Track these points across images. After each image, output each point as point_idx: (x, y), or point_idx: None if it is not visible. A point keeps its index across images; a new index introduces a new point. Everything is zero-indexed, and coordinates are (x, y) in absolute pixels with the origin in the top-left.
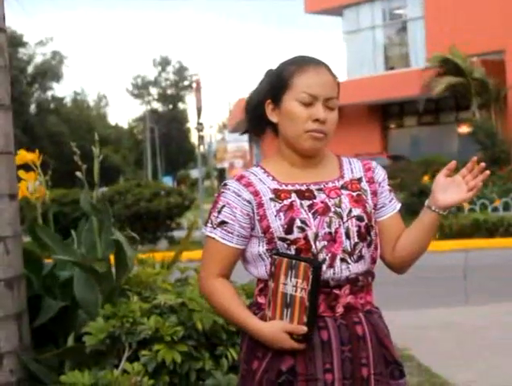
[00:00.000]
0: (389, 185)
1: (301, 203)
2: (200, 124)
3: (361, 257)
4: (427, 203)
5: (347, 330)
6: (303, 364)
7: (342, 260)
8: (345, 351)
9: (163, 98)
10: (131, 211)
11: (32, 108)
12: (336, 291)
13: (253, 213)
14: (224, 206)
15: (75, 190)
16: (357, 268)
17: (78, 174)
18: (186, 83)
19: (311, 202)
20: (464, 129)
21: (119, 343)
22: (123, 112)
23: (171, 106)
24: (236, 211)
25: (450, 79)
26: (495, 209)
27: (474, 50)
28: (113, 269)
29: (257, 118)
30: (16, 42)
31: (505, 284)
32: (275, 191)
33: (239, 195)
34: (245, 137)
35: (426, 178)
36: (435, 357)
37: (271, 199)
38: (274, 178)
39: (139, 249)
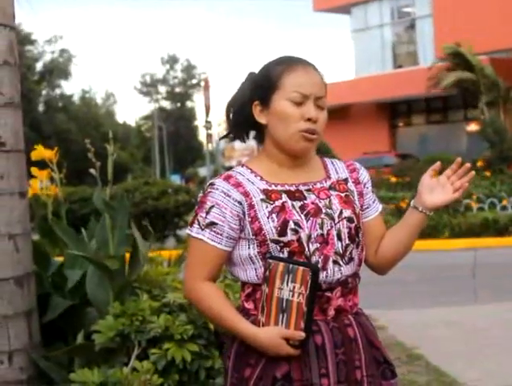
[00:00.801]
0: (371, 186)
1: (292, 204)
2: (208, 122)
3: (351, 259)
4: (412, 203)
5: (339, 333)
6: (299, 370)
7: (334, 262)
8: (339, 354)
9: (171, 96)
10: (139, 209)
11: (40, 105)
12: (328, 294)
13: (244, 214)
14: (213, 206)
15: (83, 187)
16: (347, 270)
17: (92, 170)
18: (194, 81)
19: (302, 203)
20: (472, 127)
21: (129, 341)
22: (131, 110)
23: (179, 104)
24: (226, 212)
25: (459, 73)
26: (504, 208)
27: (482, 48)
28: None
29: (241, 121)
30: (25, 40)
31: (511, 283)
32: (265, 192)
33: (229, 196)
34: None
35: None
36: (443, 356)
37: (262, 200)
38: (262, 178)
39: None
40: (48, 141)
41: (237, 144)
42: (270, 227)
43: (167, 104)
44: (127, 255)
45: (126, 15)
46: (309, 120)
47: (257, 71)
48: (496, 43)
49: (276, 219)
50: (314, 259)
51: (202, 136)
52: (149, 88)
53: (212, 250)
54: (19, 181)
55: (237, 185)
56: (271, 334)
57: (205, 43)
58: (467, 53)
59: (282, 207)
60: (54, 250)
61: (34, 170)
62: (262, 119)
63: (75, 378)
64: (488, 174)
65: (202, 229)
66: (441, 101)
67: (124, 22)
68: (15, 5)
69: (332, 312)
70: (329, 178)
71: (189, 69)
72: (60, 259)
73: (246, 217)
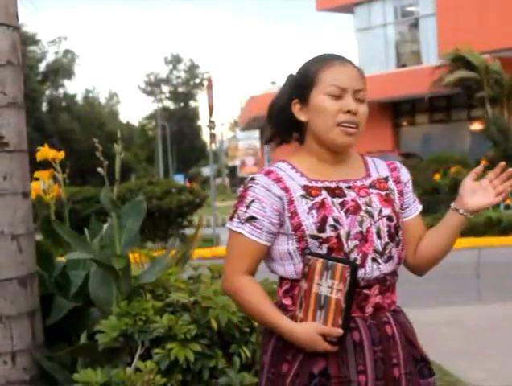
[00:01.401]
0: (411, 186)
1: (332, 201)
2: (211, 122)
3: (390, 257)
4: (453, 205)
5: (377, 331)
6: (336, 366)
7: (373, 260)
8: (377, 352)
9: (174, 96)
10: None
11: (44, 105)
12: (366, 291)
13: (284, 210)
14: (253, 200)
15: (87, 188)
16: (386, 268)
17: (100, 170)
18: (197, 81)
19: (342, 200)
20: (475, 126)
21: (132, 341)
22: (134, 110)
23: (182, 104)
24: (266, 207)
25: (462, 72)
26: (507, 207)
27: (486, 47)
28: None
29: (282, 122)
30: (29, 40)
31: None
32: (305, 188)
33: (269, 190)
34: (257, 135)
35: (437, 176)
36: (447, 355)
37: (302, 196)
38: (302, 174)
39: (151, 247)
40: (52, 140)
41: (241, 143)
42: (309, 222)
43: (170, 104)
44: (132, 256)
45: (130, 15)
46: (348, 112)
47: (295, 72)
48: (499, 41)
49: (316, 215)
50: (352, 256)
51: (205, 135)
52: (152, 87)
53: (252, 244)
54: (22, 181)
55: (278, 180)
56: (309, 330)
57: (208, 43)
58: (468, 55)
59: (322, 204)
60: (57, 250)
61: (38, 174)
62: (301, 116)
63: (78, 378)
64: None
65: (242, 223)
66: (445, 100)
67: (127, 22)
68: (18, 5)
69: (369, 309)
70: (369, 176)
71: (192, 69)
72: (64, 259)
73: (286, 212)
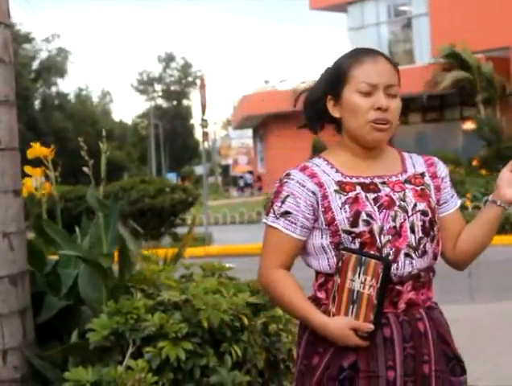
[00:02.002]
0: (450, 180)
1: (366, 196)
2: (204, 120)
3: (424, 253)
4: (491, 197)
5: (409, 327)
6: (366, 361)
7: (406, 255)
8: (407, 348)
9: (167, 94)
10: (135, 207)
11: (37, 103)
12: (399, 287)
13: (318, 204)
14: (288, 196)
15: (79, 186)
16: (420, 263)
17: (85, 169)
18: (190, 79)
19: (375, 195)
20: (468, 125)
21: (123, 340)
22: (127, 108)
23: (175, 102)
24: (300, 202)
25: (456, 73)
26: None
27: (479, 46)
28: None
29: (316, 115)
30: (22, 38)
31: (510, 281)
32: (339, 183)
33: (303, 186)
34: (249, 133)
35: None
36: None
37: (336, 191)
38: (337, 170)
39: (143, 245)
40: (45, 139)
41: (234, 142)
42: (342, 217)
43: (163, 103)
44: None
45: (123, 14)
46: (379, 109)
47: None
48: (492, 41)
49: (349, 210)
50: (385, 251)
51: (198, 134)
52: (145, 86)
53: (287, 239)
54: (14, 179)
55: (312, 176)
56: (340, 325)
57: (201, 42)
58: (463, 53)
59: (356, 199)
60: (49, 249)
61: (27, 169)
62: (335, 113)
63: (69, 377)
64: (484, 172)
65: (277, 218)
66: (438, 100)
67: (120, 21)
68: (13, 3)
69: (402, 305)
70: (405, 171)
71: (185, 67)
72: (55, 257)
73: (320, 207)
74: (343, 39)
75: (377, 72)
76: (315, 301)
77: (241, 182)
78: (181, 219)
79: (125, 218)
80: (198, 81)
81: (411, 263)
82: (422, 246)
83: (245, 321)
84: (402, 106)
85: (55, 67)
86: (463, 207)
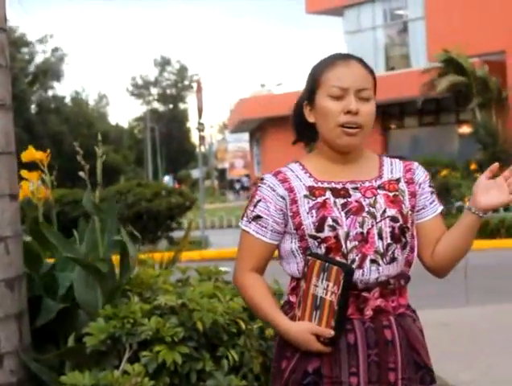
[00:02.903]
0: (431, 186)
1: (335, 202)
2: (200, 124)
3: (393, 259)
4: (467, 204)
5: (374, 334)
6: (329, 366)
7: (373, 261)
8: (372, 355)
9: (163, 98)
10: (132, 210)
11: (33, 107)
12: (365, 294)
13: (287, 209)
14: (259, 200)
15: (76, 190)
16: (387, 270)
17: (81, 173)
18: (186, 83)
19: (345, 200)
20: (464, 129)
21: (119, 344)
22: (124, 111)
23: (171, 106)
24: (270, 206)
25: (452, 77)
26: (496, 210)
27: (475, 50)
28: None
29: (299, 124)
30: (18, 41)
31: (505, 285)
32: (310, 188)
33: (274, 190)
34: (246, 137)
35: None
36: (435, 358)
37: (305, 196)
38: (310, 175)
39: (139, 249)
40: (41, 142)
41: (230, 146)
42: (309, 222)
43: (159, 106)
44: (115, 258)
45: (118, 17)
46: (349, 112)
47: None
48: (488, 45)
49: (315, 215)
50: (351, 256)
51: (195, 138)
52: (141, 89)
53: (258, 242)
54: (10, 183)
55: (284, 180)
56: (302, 329)
57: (198, 45)
58: (458, 57)
59: (323, 204)
60: (45, 252)
61: (24, 173)
62: (311, 118)
63: (66, 381)
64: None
65: (249, 222)
66: (433, 104)
67: (116, 25)
68: (8, 7)
69: (369, 312)
70: (381, 177)
71: (181, 71)
72: (52, 261)
73: (289, 212)
74: (339, 43)
75: (348, 76)
76: (288, 304)
77: (238, 186)
78: (177, 223)
79: (121, 221)
80: (194, 85)
81: (378, 269)
82: (390, 253)
83: (242, 325)
84: (398, 110)
85: (51, 70)
86: (459, 211)
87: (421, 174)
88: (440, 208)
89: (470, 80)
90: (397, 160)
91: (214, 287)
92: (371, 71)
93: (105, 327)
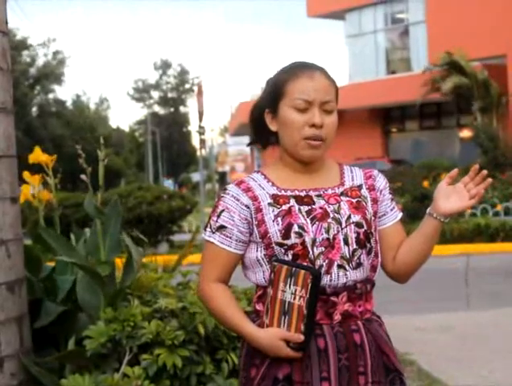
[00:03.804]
0: (390, 193)
1: (299, 209)
2: (201, 127)
3: (359, 264)
4: (428, 210)
5: (344, 338)
6: (300, 372)
7: (339, 266)
8: (342, 359)
9: (164, 101)
10: (132, 214)
11: (34, 110)
12: (334, 298)
13: (252, 218)
14: (223, 210)
15: (77, 193)
16: (355, 275)
17: (83, 176)
18: (187, 86)
19: (309, 207)
20: (465, 133)
21: (120, 347)
22: (124, 115)
23: (172, 109)
24: (234, 216)
25: (456, 78)
26: (496, 214)
27: (476, 54)
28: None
29: (260, 128)
30: (19, 44)
31: (506, 288)
32: (274, 197)
33: (238, 200)
34: (247, 140)
35: (426, 183)
36: (435, 362)
37: (270, 204)
38: (273, 184)
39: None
40: (42, 145)
41: (231, 149)
42: (274, 230)
43: (159, 110)
44: (118, 261)
45: (119, 20)
46: (313, 126)
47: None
48: (488, 49)
49: (281, 223)
50: (318, 263)
51: (195, 141)
52: (142, 93)
53: (222, 253)
54: (11, 186)
55: (247, 190)
56: (270, 336)
57: (198, 49)
58: (460, 60)
59: (289, 211)
60: (46, 255)
61: (26, 175)
62: (273, 126)
63: (66, 384)
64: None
65: (213, 232)
66: (434, 107)
67: (116, 28)
68: (8, 11)
69: (337, 317)
70: (343, 184)
71: (182, 74)
72: (53, 264)
73: (254, 221)
74: (340, 47)
75: (312, 89)
76: (255, 313)
77: None
78: (178, 227)
79: (131, 224)
80: (195, 88)
81: (345, 274)
82: (356, 258)
83: None
84: (399, 113)
85: (52, 73)
86: (460, 215)
87: (381, 180)
88: (400, 215)
89: (472, 84)
90: (356, 167)
91: None
92: (334, 82)
93: (105, 330)
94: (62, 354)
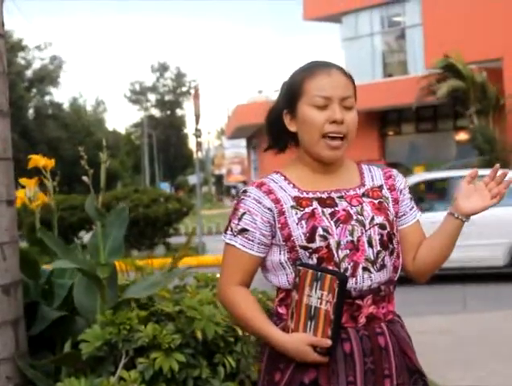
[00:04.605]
0: (410, 192)
1: (323, 211)
2: (198, 130)
3: (383, 266)
4: (449, 210)
5: (369, 342)
6: (326, 377)
7: (364, 269)
8: (368, 363)
9: (160, 104)
10: (129, 216)
11: (30, 112)
12: (359, 302)
13: (275, 221)
14: (244, 213)
15: (73, 196)
16: (379, 277)
17: (84, 178)
18: (184, 89)
19: (332, 210)
20: (461, 136)
21: (116, 351)
22: (121, 117)
23: (168, 112)
24: (257, 219)
25: (452, 82)
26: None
27: (472, 57)
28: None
29: (277, 132)
30: (15, 46)
31: (502, 291)
32: (296, 199)
33: (260, 203)
34: (243, 143)
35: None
36: (432, 364)
37: (292, 207)
38: (294, 186)
39: (136, 255)
40: (38, 148)
41: (227, 152)
42: (299, 233)
43: (156, 112)
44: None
45: (116, 23)
46: (334, 122)
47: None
48: (485, 52)
49: (305, 226)
50: (343, 265)
51: (192, 144)
52: (138, 96)
53: (244, 256)
54: (7, 189)
55: (269, 192)
56: (298, 341)
57: (196, 52)
58: (457, 63)
59: (312, 214)
60: (43, 259)
61: (22, 180)
62: (292, 127)
63: None
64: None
65: (234, 235)
66: (431, 110)
67: (114, 30)
68: (5, 12)
69: (362, 320)
70: (363, 185)
71: (179, 77)
72: (49, 267)
73: (277, 223)
74: (337, 50)
75: (330, 85)
76: (276, 316)
77: (234, 192)
78: (174, 229)
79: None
80: (192, 91)
81: (370, 277)
82: (380, 260)
83: (239, 332)
84: (395, 116)
85: (48, 76)
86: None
87: (401, 180)
88: (419, 214)
89: (469, 86)
90: (375, 167)
91: (213, 294)
92: (351, 79)
93: (101, 334)
94: (58, 357)
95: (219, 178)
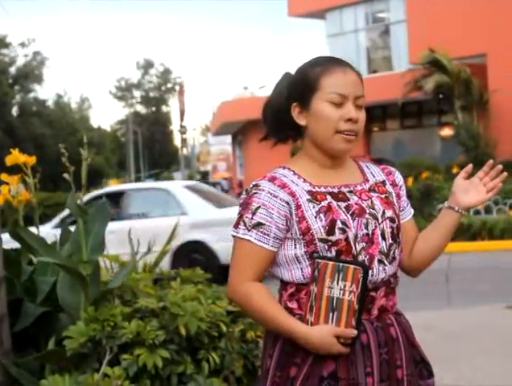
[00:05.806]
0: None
1: (338, 205)
2: (183, 126)
3: (394, 259)
4: (447, 204)
5: (383, 333)
6: (345, 368)
7: (379, 261)
8: (383, 354)
9: (146, 101)
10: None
11: (15, 110)
12: (373, 293)
13: (291, 214)
14: (259, 207)
15: (58, 193)
16: (390, 269)
17: (66, 175)
18: (169, 85)
19: (346, 203)
20: (446, 131)
21: (100, 347)
22: (106, 114)
23: (154, 109)
24: (273, 213)
25: (438, 77)
26: (477, 212)
27: (456, 53)
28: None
29: (280, 123)
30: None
31: (486, 287)
32: (311, 193)
33: (275, 196)
34: (228, 139)
35: (408, 182)
36: None
37: (309, 201)
38: (305, 180)
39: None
40: (23, 145)
41: (212, 148)
42: (318, 226)
43: (141, 109)
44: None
45: (101, 19)
46: (349, 120)
47: (293, 72)
48: (469, 48)
49: (324, 219)
50: (360, 258)
51: (177, 140)
52: (124, 92)
53: (260, 250)
54: None
55: (283, 186)
56: (323, 333)
57: (181, 48)
58: (443, 58)
59: (329, 207)
60: (26, 256)
61: (4, 176)
62: (301, 120)
63: (46, 384)
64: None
65: (249, 230)
66: (416, 106)
67: (99, 27)
68: None
69: (375, 311)
70: (367, 180)
71: (164, 74)
72: (33, 264)
73: (294, 217)
74: (322, 46)
75: (347, 83)
76: (286, 311)
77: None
78: None
79: None
80: (177, 88)
81: (384, 269)
82: (392, 252)
83: (223, 328)
84: (380, 112)
85: (32, 73)
86: None
87: (400, 177)
88: (413, 211)
89: (453, 82)
90: (370, 164)
91: (197, 290)
92: (362, 78)
93: (85, 330)
94: (42, 354)
95: (204, 175)
